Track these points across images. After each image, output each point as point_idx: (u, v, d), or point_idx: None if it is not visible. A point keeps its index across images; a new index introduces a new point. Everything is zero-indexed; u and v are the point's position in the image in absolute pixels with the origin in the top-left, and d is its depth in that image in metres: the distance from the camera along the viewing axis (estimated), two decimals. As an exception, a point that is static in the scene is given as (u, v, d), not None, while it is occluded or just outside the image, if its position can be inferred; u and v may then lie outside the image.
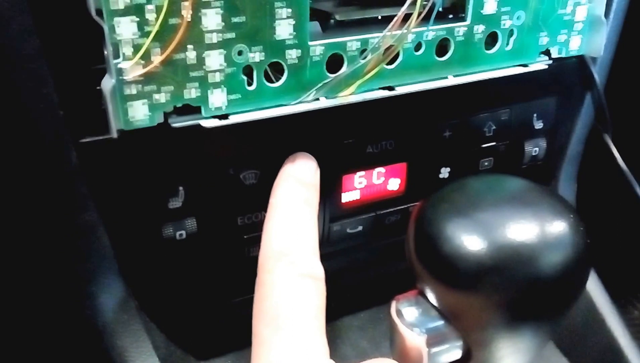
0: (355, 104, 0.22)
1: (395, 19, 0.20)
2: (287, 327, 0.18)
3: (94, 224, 0.23)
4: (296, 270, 0.19)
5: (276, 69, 0.21)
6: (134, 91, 0.19)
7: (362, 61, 0.21)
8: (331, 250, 0.26)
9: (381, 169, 0.26)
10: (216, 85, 0.20)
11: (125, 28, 0.18)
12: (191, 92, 0.20)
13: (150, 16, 0.18)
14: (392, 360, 0.18)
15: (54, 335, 0.27)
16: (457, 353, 0.20)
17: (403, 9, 0.20)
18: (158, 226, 0.23)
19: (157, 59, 0.18)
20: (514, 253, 0.18)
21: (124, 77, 0.18)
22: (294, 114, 0.21)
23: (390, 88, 0.23)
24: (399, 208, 0.27)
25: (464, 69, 0.24)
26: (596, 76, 0.29)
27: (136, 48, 0.18)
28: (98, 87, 0.19)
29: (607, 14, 0.27)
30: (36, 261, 0.25)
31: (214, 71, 0.20)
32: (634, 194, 0.31)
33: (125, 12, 0.18)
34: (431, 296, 0.20)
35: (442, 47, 0.23)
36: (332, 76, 0.21)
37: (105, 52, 0.19)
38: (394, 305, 0.20)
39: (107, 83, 0.19)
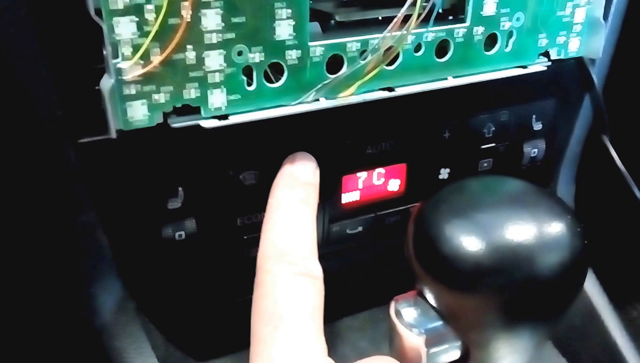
0: (355, 105, 0.22)
1: (395, 20, 0.20)
2: (285, 326, 0.18)
3: (93, 225, 0.22)
4: (294, 270, 0.19)
5: (276, 70, 0.21)
6: (133, 91, 0.19)
7: (362, 62, 0.21)
8: (331, 250, 0.26)
9: (381, 170, 0.26)
10: (216, 85, 0.20)
11: (125, 28, 0.18)
12: (191, 93, 0.20)
13: (149, 16, 0.18)
14: (390, 358, 0.18)
15: (52, 335, 0.27)
16: (456, 354, 0.20)
17: (403, 10, 0.20)
18: (157, 226, 0.23)
19: (156, 59, 0.18)
20: (512, 254, 0.18)
21: (123, 77, 0.18)
22: (293, 115, 0.21)
23: (390, 89, 0.23)
24: (398, 208, 0.27)
25: (464, 70, 0.24)
26: (595, 78, 0.29)
27: (135, 48, 0.18)
28: (97, 87, 0.19)
29: (605, 16, 0.27)
30: (35, 262, 0.24)
31: (214, 71, 0.20)
32: (632, 195, 0.31)
33: (124, 11, 0.18)
34: (430, 297, 0.20)
35: (441, 48, 0.23)
36: (332, 76, 0.21)
37: (104, 52, 0.18)
38: (393, 305, 0.20)
39: (106, 83, 0.19)
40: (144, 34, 0.18)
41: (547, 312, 0.19)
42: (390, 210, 0.27)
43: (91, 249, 0.23)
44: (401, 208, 0.27)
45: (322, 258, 0.20)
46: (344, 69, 0.22)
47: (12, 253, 0.25)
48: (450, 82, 0.24)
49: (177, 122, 0.20)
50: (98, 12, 0.18)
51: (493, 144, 0.28)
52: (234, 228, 0.24)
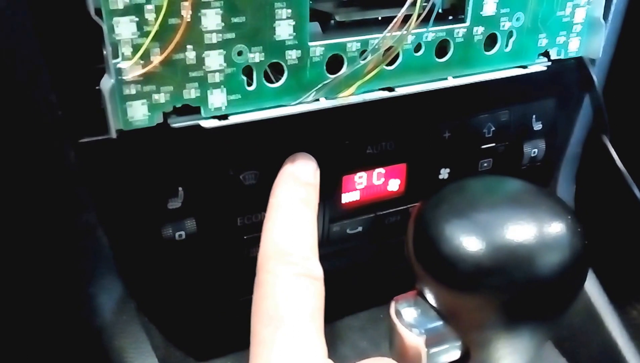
0: (355, 105, 0.22)
1: (395, 20, 0.20)
2: (285, 327, 0.18)
3: (93, 225, 0.23)
4: (295, 270, 0.19)
5: (276, 70, 0.21)
6: (133, 91, 0.19)
7: (362, 62, 0.21)
8: (331, 250, 0.26)
9: (381, 170, 0.26)
10: (216, 85, 0.20)
11: (125, 28, 0.18)
12: (191, 93, 0.20)
13: (149, 16, 0.18)
14: (391, 359, 0.18)
15: (52, 335, 0.27)
16: (456, 354, 0.20)
17: (403, 10, 0.20)
18: (157, 226, 0.23)
19: (156, 59, 0.18)
20: (512, 254, 0.18)
21: (123, 77, 0.18)
22: (293, 115, 0.21)
23: (390, 89, 0.23)
24: (398, 208, 0.27)
25: (464, 70, 0.24)
26: (595, 78, 0.29)
27: (135, 48, 0.18)
28: (97, 87, 0.19)
29: (605, 16, 0.27)
30: (35, 262, 0.24)
31: (214, 71, 0.20)
32: (632, 195, 0.31)
33: (124, 12, 0.18)
34: (430, 297, 0.20)
35: (441, 48, 0.23)
36: (332, 76, 0.21)
37: (105, 52, 0.18)
38: (393, 305, 0.20)
39: (106, 83, 0.19)
40: (144, 34, 0.18)
41: (547, 312, 0.19)
42: (390, 210, 0.27)
43: (91, 249, 0.23)
44: (401, 208, 0.27)
45: (322, 258, 0.20)
46: (344, 69, 0.22)
47: (13, 253, 0.25)
48: (450, 82, 0.24)
49: (177, 122, 0.20)
50: (98, 12, 0.18)
51: (493, 144, 0.28)
52: (234, 228, 0.24)
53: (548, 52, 0.26)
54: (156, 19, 0.18)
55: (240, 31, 0.19)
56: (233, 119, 0.21)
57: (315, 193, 0.21)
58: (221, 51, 0.19)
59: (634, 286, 0.39)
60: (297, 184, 0.21)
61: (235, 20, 0.19)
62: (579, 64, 0.29)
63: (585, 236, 0.19)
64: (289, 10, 0.20)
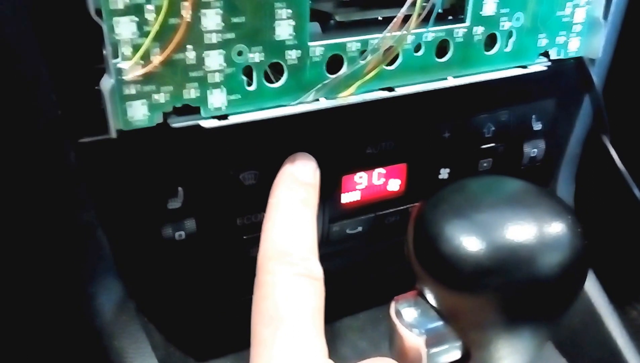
0: (355, 105, 0.22)
1: (395, 20, 0.20)
2: (285, 327, 0.18)
3: (93, 225, 0.23)
4: (295, 270, 0.19)
5: (276, 70, 0.21)
6: (133, 91, 0.19)
7: (362, 62, 0.21)
8: (331, 250, 0.26)
9: (381, 170, 0.26)
10: (216, 85, 0.20)
11: (125, 28, 0.18)
12: (190, 93, 0.20)
13: (149, 16, 0.18)
14: (391, 359, 0.18)
15: (52, 335, 0.27)
16: (457, 354, 0.20)
17: (403, 10, 0.20)
18: (157, 226, 0.23)
19: (156, 59, 0.18)
20: (512, 254, 0.18)
21: (123, 77, 0.18)
22: (293, 115, 0.21)
23: (390, 89, 0.23)
24: (398, 208, 0.27)
25: (464, 70, 0.24)
26: (595, 78, 0.29)
27: (135, 48, 0.18)
28: (97, 87, 0.19)
29: (605, 16, 0.27)
30: (35, 262, 0.24)
31: (214, 71, 0.20)
32: (632, 195, 0.31)
33: (124, 11, 0.18)
34: (430, 297, 0.20)
35: (441, 48, 0.23)
36: (332, 76, 0.21)
37: (104, 52, 0.18)
38: (393, 305, 0.20)
39: (106, 83, 0.19)
40: (144, 34, 0.18)
41: (547, 312, 0.19)
42: (390, 210, 0.27)
43: (91, 249, 0.23)
44: (401, 208, 0.27)
45: (322, 258, 0.20)
46: (344, 69, 0.22)
47: (13, 253, 0.25)
48: (450, 82, 0.24)
49: (177, 122, 0.20)
50: (98, 12, 0.18)
51: (493, 144, 0.28)
52: (233, 228, 0.24)
53: (548, 52, 0.26)
54: (156, 19, 0.18)
55: (240, 31, 0.19)
56: (233, 119, 0.21)
57: (315, 193, 0.21)
58: (221, 51, 0.19)
59: (634, 286, 0.39)
60: (296, 184, 0.21)
61: (235, 20, 0.19)
62: (578, 64, 0.29)
63: (585, 236, 0.19)
64: (289, 10, 0.20)
